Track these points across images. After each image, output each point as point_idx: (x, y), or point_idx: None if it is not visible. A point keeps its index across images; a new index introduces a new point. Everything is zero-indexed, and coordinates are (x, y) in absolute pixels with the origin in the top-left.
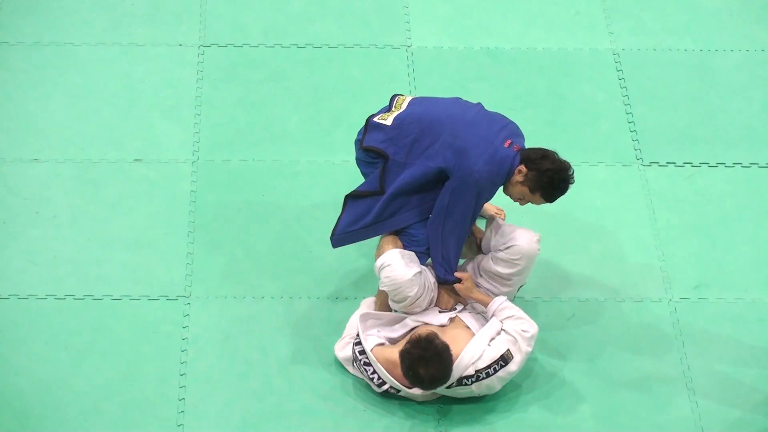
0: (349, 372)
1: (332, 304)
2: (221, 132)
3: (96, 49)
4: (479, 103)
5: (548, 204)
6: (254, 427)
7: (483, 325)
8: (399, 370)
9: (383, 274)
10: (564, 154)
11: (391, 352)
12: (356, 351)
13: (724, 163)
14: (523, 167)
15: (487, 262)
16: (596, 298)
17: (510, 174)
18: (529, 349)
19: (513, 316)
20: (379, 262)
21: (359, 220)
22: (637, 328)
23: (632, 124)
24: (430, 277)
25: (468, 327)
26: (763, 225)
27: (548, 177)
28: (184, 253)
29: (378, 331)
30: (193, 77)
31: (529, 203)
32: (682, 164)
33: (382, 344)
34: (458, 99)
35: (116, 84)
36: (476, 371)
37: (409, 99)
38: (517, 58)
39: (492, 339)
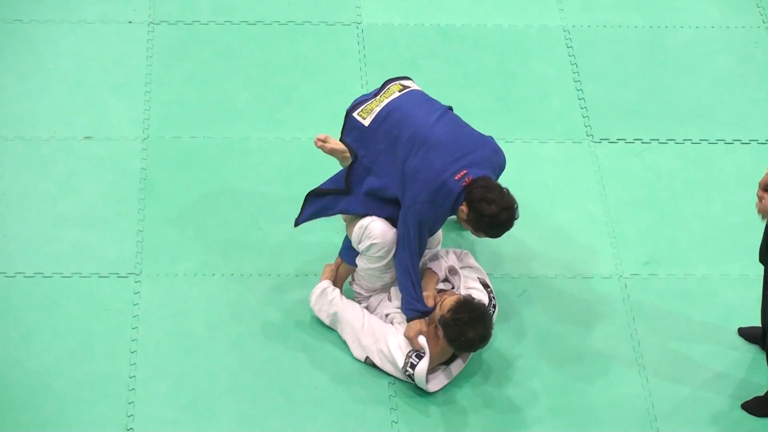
0: (295, 348)
1: (283, 281)
2: (171, 109)
3: (45, 26)
4: (455, 117)
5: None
6: (205, 404)
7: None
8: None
9: (366, 230)
10: (514, 131)
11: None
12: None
13: (674, 140)
14: (464, 207)
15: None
16: (546, 275)
17: (455, 208)
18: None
19: (476, 287)
20: (362, 222)
21: (325, 210)
22: (588, 304)
23: (582, 100)
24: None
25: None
26: (712, 201)
27: (486, 223)
28: (134, 230)
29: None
30: (143, 54)
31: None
32: (632, 141)
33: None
34: (437, 107)
35: (66, 61)
36: (488, 292)
37: (396, 94)
38: (468, 35)
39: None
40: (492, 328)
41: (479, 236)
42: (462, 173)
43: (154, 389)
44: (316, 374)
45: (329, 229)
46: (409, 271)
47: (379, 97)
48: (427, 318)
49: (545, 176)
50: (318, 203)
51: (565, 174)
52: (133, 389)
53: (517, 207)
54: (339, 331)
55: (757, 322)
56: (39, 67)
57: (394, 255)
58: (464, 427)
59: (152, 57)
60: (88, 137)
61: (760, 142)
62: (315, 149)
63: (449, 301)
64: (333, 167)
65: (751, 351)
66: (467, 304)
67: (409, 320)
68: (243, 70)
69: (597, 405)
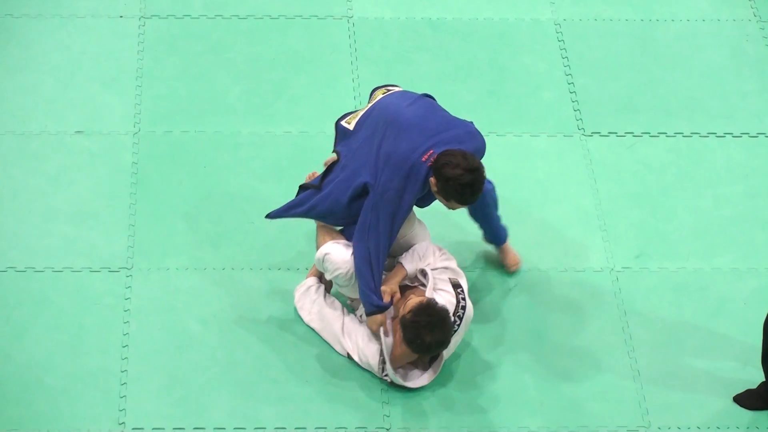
0: (287, 342)
1: (274, 275)
2: (162, 104)
3: (36, 21)
4: (428, 99)
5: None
6: (196, 398)
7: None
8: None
9: (326, 263)
10: (505, 125)
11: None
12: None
13: (666, 133)
14: (433, 179)
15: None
16: (538, 268)
17: (426, 186)
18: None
19: (444, 267)
20: (320, 253)
21: (295, 207)
22: (579, 297)
23: (574, 94)
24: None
25: (420, 286)
26: (704, 194)
27: (452, 186)
28: (125, 225)
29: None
30: (134, 49)
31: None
32: (623, 134)
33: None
34: (413, 95)
35: (57, 56)
36: (458, 309)
37: (380, 97)
38: (459, 29)
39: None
40: (451, 334)
41: (453, 207)
42: (429, 153)
43: (146, 384)
44: (308, 368)
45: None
46: (370, 260)
47: (366, 104)
48: (391, 312)
49: (536, 170)
50: (295, 200)
51: (556, 168)
52: (124, 384)
53: (482, 169)
54: (319, 330)
55: (746, 316)
56: (30, 62)
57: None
58: (455, 420)
59: (143, 51)
60: (79, 132)
61: (751, 135)
62: (306, 143)
63: (412, 302)
64: (324, 160)
65: (742, 344)
66: (428, 308)
67: (367, 314)
68: (234, 65)
69: (588, 398)
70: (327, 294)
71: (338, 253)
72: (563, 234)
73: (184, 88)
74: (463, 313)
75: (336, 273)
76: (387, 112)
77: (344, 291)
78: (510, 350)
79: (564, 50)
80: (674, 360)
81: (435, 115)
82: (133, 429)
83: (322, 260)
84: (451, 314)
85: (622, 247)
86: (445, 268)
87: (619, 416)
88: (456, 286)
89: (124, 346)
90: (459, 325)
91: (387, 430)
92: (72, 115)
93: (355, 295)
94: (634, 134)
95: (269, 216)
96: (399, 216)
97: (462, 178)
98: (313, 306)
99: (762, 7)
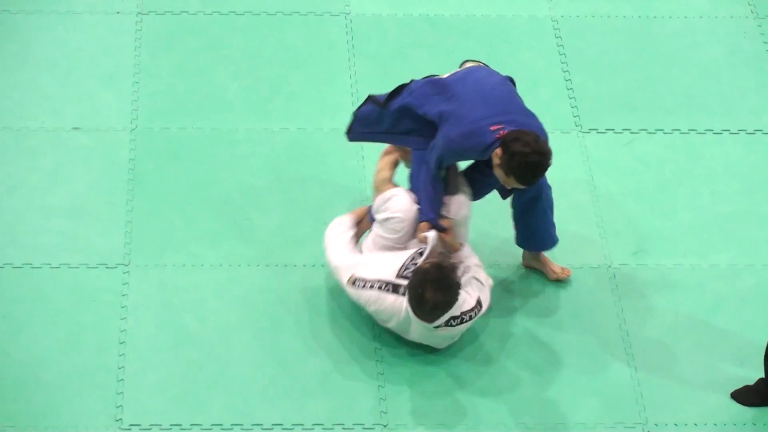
0: (284, 339)
1: (272, 271)
2: (160, 100)
3: (33, 17)
4: (513, 88)
5: None
6: (194, 396)
7: None
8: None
9: (391, 202)
10: None
11: None
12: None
13: (663, 130)
14: (499, 150)
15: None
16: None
17: (486, 155)
18: (490, 300)
19: (479, 264)
20: (390, 192)
21: (373, 125)
22: (577, 294)
23: (571, 90)
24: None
25: None
26: (701, 191)
27: (516, 161)
28: (123, 221)
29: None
30: (132, 45)
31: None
32: (620, 131)
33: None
34: (498, 75)
35: (54, 52)
36: (461, 313)
37: (471, 65)
38: (456, 25)
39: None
40: (450, 307)
41: (509, 185)
42: (499, 126)
43: (143, 380)
44: (305, 365)
45: (319, 221)
46: (434, 183)
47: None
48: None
49: None
50: (367, 114)
51: (553, 164)
52: (122, 380)
53: (549, 156)
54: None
55: (743, 313)
56: (27, 58)
57: (412, 177)
58: (452, 416)
59: (141, 48)
60: (76, 128)
61: (748, 132)
62: (304, 140)
63: (438, 259)
64: (321, 157)
65: (740, 341)
66: (446, 269)
67: (422, 220)
68: (231, 61)
69: (586, 395)
70: (355, 241)
71: (405, 200)
72: (561, 230)
73: (182, 85)
74: (467, 321)
75: (394, 215)
76: (475, 80)
77: (378, 241)
78: (507, 347)
79: (561, 47)
80: (671, 357)
81: (514, 100)
82: (130, 425)
83: (388, 198)
84: (460, 301)
85: (619, 244)
86: (478, 279)
87: (616, 413)
88: (479, 305)
89: (121, 343)
90: (457, 324)
91: (384, 426)
92: (69, 111)
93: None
94: (632, 131)
95: (350, 137)
96: (448, 154)
97: (529, 157)
98: (339, 241)
99: (759, 4)
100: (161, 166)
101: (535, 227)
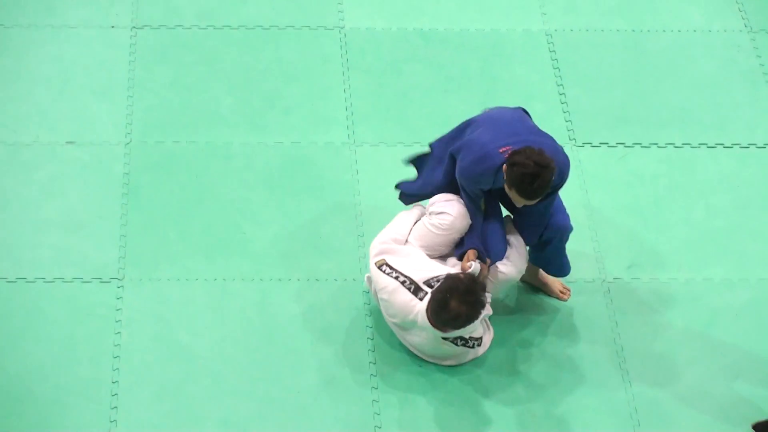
0: (277, 352)
1: (266, 286)
2: (154, 114)
3: (28, 31)
4: (525, 115)
5: None
6: (188, 409)
7: None
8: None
9: (449, 205)
10: None
11: None
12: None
13: (657, 144)
14: (505, 166)
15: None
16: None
17: (500, 178)
18: (487, 347)
19: (489, 313)
20: (451, 196)
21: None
22: (571, 308)
23: (565, 105)
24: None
25: None
26: (695, 205)
27: (515, 172)
28: (117, 235)
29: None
30: (126, 59)
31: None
32: (614, 145)
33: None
34: (509, 108)
35: (48, 66)
36: (469, 337)
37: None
38: (450, 39)
39: None
40: (472, 320)
41: (516, 199)
42: (507, 148)
43: (137, 394)
44: (299, 379)
45: (313, 235)
46: (474, 216)
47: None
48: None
49: None
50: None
51: None
52: (116, 394)
53: (551, 169)
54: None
55: (738, 327)
56: (21, 72)
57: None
58: (445, 425)
59: (135, 62)
60: (70, 142)
61: (742, 146)
62: (298, 154)
63: (471, 272)
64: (316, 171)
65: (734, 355)
66: (476, 284)
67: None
68: (226, 75)
69: (580, 408)
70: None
71: (462, 208)
72: None
73: (176, 99)
74: (468, 347)
75: (446, 212)
76: (485, 114)
77: (423, 230)
78: (500, 361)
79: (555, 61)
80: (666, 370)
81: (524, 123)
82: None
83: (449, 199)
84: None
85: (613, 258)
86: (488, 326)
87: (610, 426)
88: (481, 338)
89: (115, 357)
90: (460, 345)
91: (378, 428)
92: (63, 125)
93: (432, 245)
94: (626, 145)
95: (400, 190)
96: (468, 187)
97: (527, 167)
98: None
99: (753, 18)
100: (155, 179)
101: (551, 257)
